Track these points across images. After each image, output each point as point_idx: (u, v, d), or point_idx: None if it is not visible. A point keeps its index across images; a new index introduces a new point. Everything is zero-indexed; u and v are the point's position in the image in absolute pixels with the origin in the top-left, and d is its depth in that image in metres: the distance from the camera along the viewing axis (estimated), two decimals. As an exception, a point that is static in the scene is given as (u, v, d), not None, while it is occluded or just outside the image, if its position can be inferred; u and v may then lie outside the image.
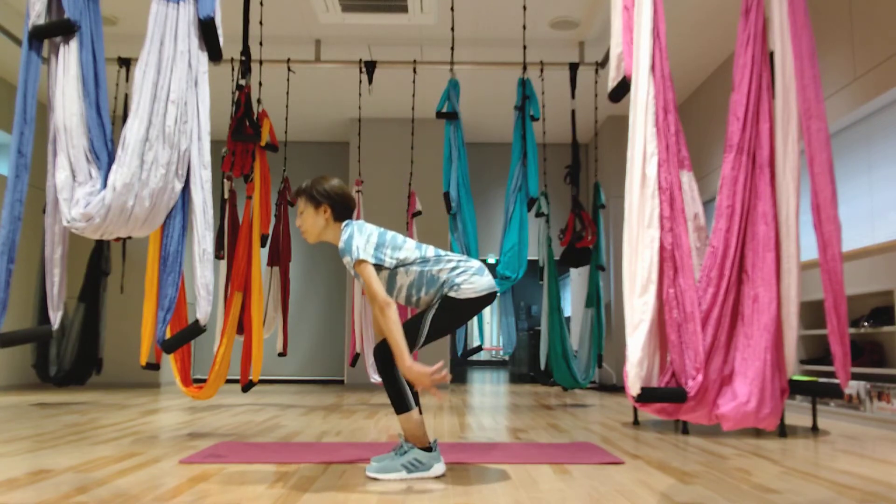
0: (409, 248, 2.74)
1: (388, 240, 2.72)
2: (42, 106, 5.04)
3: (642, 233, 2.15)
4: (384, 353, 2.66)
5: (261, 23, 5.13)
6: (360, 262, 2.61)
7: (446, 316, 2.71)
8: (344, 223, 2.75)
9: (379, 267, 2.68)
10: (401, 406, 2.65)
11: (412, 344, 2.69)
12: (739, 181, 2.15)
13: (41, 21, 2.58)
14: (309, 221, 2.76)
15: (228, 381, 4.28)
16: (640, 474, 2.71)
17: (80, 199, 2.52)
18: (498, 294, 4.12)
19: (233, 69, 5.36)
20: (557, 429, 4.21)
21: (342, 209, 2.77)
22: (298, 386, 8.44)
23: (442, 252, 2.78)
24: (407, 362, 2.51)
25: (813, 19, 2.21)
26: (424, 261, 2.72)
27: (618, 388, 7.83)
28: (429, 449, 2.66)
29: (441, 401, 2.36)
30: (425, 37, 6.47)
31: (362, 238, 2.66)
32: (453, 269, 2.71)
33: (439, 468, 2.65)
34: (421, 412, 2.72)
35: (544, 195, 5.86)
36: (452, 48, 5.24)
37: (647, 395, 2.08)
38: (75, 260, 4.95)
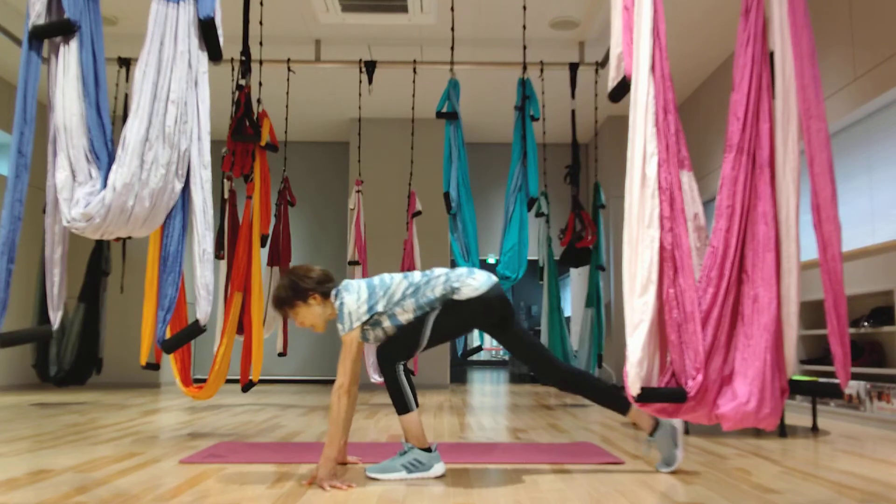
0: (398, 281, 2.74)
1: (377, 284, 2.73)
2: (42, 106, 5.04)
3: (642, 233, 2.15)
4: (387, 354, 2.67)
5: (261, 23, 5.12)
6: (348, 332, 2.64)
7: (449, 318, 2.70)
8: (333, 294, 2.74)
9: (378, 315, 2.69)
10: (402, 407, 2.66)
11: (412, 349, 2.70)
12: (739, 181, 2.15)
13: (41, 21, 2.57)
14: (309, 317, 2.74)
15: (228, 381, 4.28)
16: (640, 474, 2.71)
17: (80, 199, 2.52)
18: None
19: (233, 69, 5.36)
20: (557, 429, 4.21)
21: (325, 287, 2.76)
22: (298, 386, 8.44)
23: (428, 272, 2.78)
24: (330, 452, 2.53)
25: (813, 19, 2.21)
26: (416, 289, 2.70)
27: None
28: (429, 449, 2.67)
29: (345, 490, 2.39)
30: (425, 37, 6.47)
31: (352, 298, 2.66)
32: (445, 280, 2.71)
33: (439, 468, 2.65)
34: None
35: (544, 195, 5.86)
36: (452, 48, 5.24)
37: (647, 395, 2.08)
38: (75, 260, 4.95)
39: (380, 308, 2.68)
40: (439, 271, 2.76)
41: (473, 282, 2.71)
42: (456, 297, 2.69)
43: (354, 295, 2.67)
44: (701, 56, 6.65)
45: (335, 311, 2.70)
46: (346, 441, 2.90)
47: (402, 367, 2.69)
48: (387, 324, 2.71)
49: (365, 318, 2.65)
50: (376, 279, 2.76)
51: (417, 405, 2.69)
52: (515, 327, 2.86)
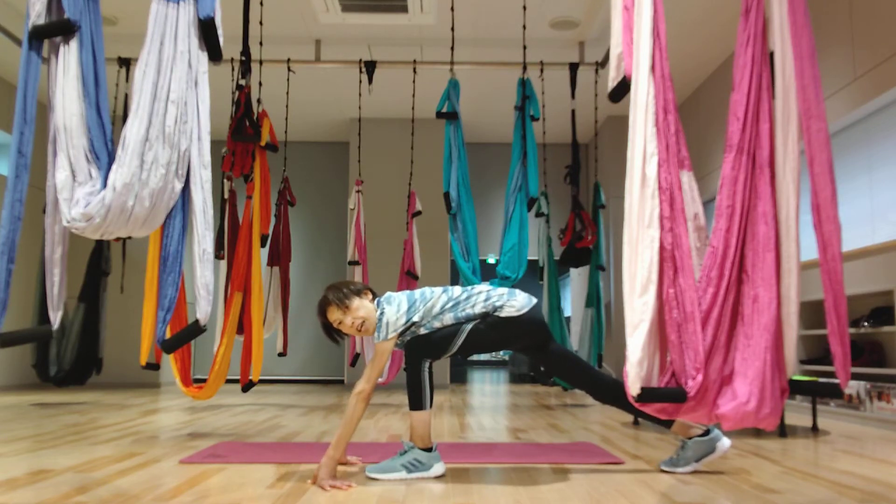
0: (438, 294, 2.75)
1: (418, 297, 2.74)
2: (42, 106, 5.04)
3: (642, 233, 2.15)
4: (416, 349, 2.69)
5: (261, 23, 5.12)
6: (383, 341, 2.65)
7: (486, 332, 2.70)
8: (374, 303, 2.76)
9: (414, 326, 2.70)
10: (417, 403, 2.67)
11: (442, 351, 2.71)
12: (739, 181, 2.15)
13: (41, 21, 2.57)
14: (363, 310, 2.71)
15: (228, 381, 4.28)
16: (640, 474, 2.71)
17: (80, 199, 2.52)
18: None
19: (233, 69, 5.35)
20: (557, 429, 4.21)
21: (373, 293, 2.80)
22: (298, 386, 8.44)
23: (469, 288, 2.79)
24: (335, 452, 2.54)
25: (813, 19, 2.21)
26: (455, 304, 2.72)
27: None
28: (430, 449, 2.67)
29: (345, 490, 2.39)
30: (425, 37, 6.47)
31: (392, 309, 2.67)
32: (486, 299, 2.72)
33: (439, 468, 2.65)
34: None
35: (544, 195, 5.86)
36: (452, 48, 5.24)
37: (647, 395, 2.08)
38: (75, 260, 4.95)
39: (417, 318, 2.69)
40: (480, 288, 2.78)
41: (516, 302, 2.72)
42: (497, 314, 2.70)
43: (395, 307, 2.69)
44: (701, 56, 6.65)
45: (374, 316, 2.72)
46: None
47: (427, 365, 2.69)
48: (422, 331, 2.73)
49: (402, 329, 2.67)
50: (417, 293, 2.77)
51: (432, 405, 2.70)
52: (552, 347, 2.86)
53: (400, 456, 2.66)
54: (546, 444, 3.50)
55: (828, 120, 2.67)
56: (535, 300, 2.80)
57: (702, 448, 2.71)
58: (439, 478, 2.63)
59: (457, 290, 2.77)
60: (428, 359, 2.69)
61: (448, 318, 2.71)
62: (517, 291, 2.79)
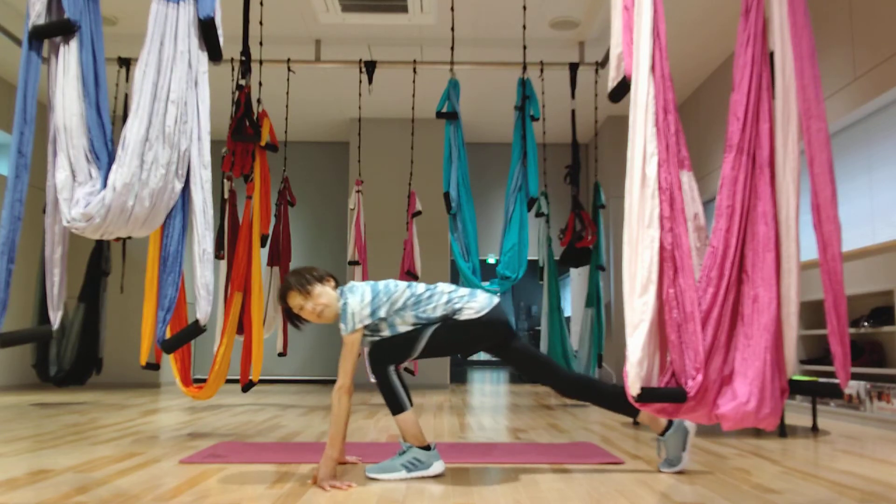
0: (402, 289, 2.74)
1: (381, 289, 2.72)
2: (42, 106, 5.04)
3: (642, 233, 2.15)
4: (378, 356, 2.67)
5: (261, 23, 5.12)
6: (350, 333, 2.63)
7: (447, 335, 2.70)
8: (338, 292, 2.75)
9: (379, 322, 2.69)
10: (396, 407, 2.67)
11: (405, 354, 2.70)
12: (739, 181, 2.15)
13: (41, 21, 2.57)
14: (325, 297, 2.70)
15: (228, 381, 4.28)
16: (640, 474, 2.71)
17: (80, 199, 2.52)
18: (501, 294, 4.08)
19: (233, 69, 5.35)
20: (557, 429, 4.21)
21: (336, 281, 2.80)
22: (298, 386, 8.44)
23: (432, 286, 2.78)
24: (332, 452, 2.54)
25: (813, 19, 2.21)
26: (417, 301, 2.70)
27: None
28: (428, 447, 2.67)
29: (345, 490, 2.39)
30: (425, 37, 6.47)
31: (356, 299, 2.65)
32: (447, 301, 2.71)
33: (438, 466, 2.66)
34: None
35: (544, 195, 5.86)
36: (452, 48, 5.24)
37: (647, 395, 2.08)
38: (75, 260, 4.95)
39: (382, 314, 2.68)
40: (443, 287, 2.77)
41: (475, 304, 2.72)
42: (457, 317, 2.70)
43: (358, 297, 2.67)
44: (701, 56, 6.65)
45: (336, 307, 2.71)
46: (345, 441, 2.91)
47: (393, 369, 2.69)
48: (385, 333, 2.72)
49: (367, 321, 2.66)
50: (381, 284, 2.76)
51: (412, 404, 2.70)
52: (515, 344, 2.85)
53: (399, 456, 2.66)
54: (546, 444, 3.50)
55: (828, 120, 2.67)
56: (496, 300, 2.78)
57: (679, 437, 2.74)
58: (439, 476, 2.63)
59: (420, 288, 2.75)
60: (391, 363, 2.69)
61: (409, 318, 2.69)
62: (478, 293, 2.78)
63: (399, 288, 2.74)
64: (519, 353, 2.86)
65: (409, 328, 2.71)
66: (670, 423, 2.76)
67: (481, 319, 2.70)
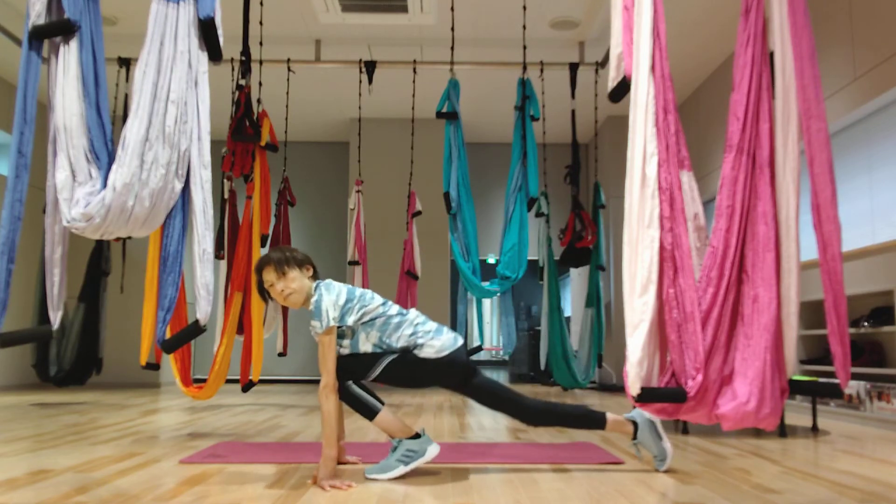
0: (377, 303, 2.72)
1: (358, 294, 2.71)
2: (42, 106, 5.03)
3: (642, 233, 2.16)
4: (342, 368, 2.66)
5: (261, 23, 5.12)
6: (326, 331, 2.60)
7: (403, 368, 2.68)
8: (314, 284, 2.72)
9: (346, 329, 2.67)
10: (369, 413, 2.67)
11: (361, 374, 2.69)
12: (739, 181, 2.15)
13: (41, 21, 2.57)
14: (297, 282, 2.67)
15: (228, 381, 4.28)
16: (640, 474, 2.71)
17: (80, 199, 2.52)
18: (501, 294, 4.09)
19: (233, 69, 5.35)
20: (557, 429, 4.21)
21: (315, 271, 2.76)
22: (298, 386, 8.44)
23: (405, 312, 2.75)
24: (330, 451, 2.53)
25: (813, 19, 2.21)
26: (386, 322, 2.69)
27: (618, 388, 7.83)
28: (417, 436, 2.67)
29: (345, 490, 2.40)
30: (425, 37, 6.47)
31: (330, 297, 2.63)
32: (412, 334, 2.69)
33: (433, 450, 2.67)
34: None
35: (544, 195, 5.86)
36: (452, 48, 5.24)
37: (647, 395, 2.08)
38: (75, 260, 4.94)
39: (350, 321, 2.66)
40: (412, 317, 2.74)
41: (437, 343, 2.68)
42: (416, 353, 2.67)
43: (333, 295, 2.65)
44: (701, 56, 6.65)
45: (308, 299, 2.68)
46: (343, 440, 2.91)
47: (349, 383, 2.67)
48: (346, 346, 2.70)
49: (337, 322, 2.63)
50: (358, 290, 2.74)
51: (382, 402, 2.69)
52: (476, 382, 2.82)
53: (393, 452, 2.67)
54: (546, 444, 3.50)
55: (828, 120, 2.67)
56: (459, 342, 2.74)
57: (649, 431, 2.75)
58: (434, 461, 2.63)
59: (393, 309, 2.73)
60: (348, 380, 2.67)
61: (373, 337, 2.68)
62: (444, 331, 2.75)
63: (374, 302, 2.73)
64: (480, 389, 2.84)
65: (370, 349, 2.69)
66: (635, 423, 2.76)
67: (441, 359, 2.67)
